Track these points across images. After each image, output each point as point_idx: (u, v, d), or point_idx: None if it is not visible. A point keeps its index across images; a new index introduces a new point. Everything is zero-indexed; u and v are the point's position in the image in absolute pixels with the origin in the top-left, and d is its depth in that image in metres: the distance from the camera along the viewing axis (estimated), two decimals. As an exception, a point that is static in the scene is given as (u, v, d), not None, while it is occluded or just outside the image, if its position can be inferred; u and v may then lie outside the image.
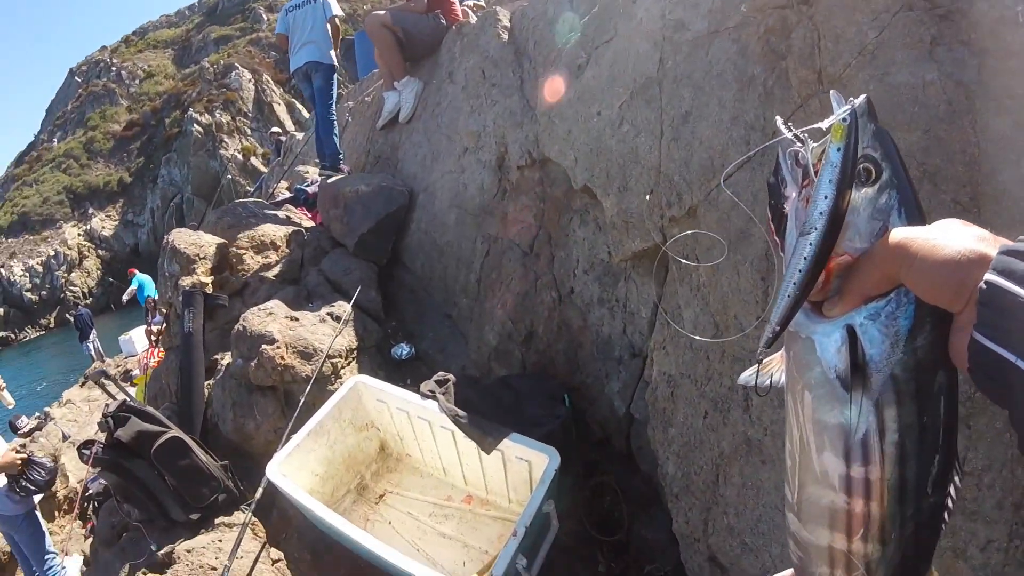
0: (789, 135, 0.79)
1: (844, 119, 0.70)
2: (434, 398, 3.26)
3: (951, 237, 0.63)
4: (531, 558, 2.64)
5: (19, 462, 4.79)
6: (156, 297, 14.11)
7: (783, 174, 0.80)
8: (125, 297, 16.48)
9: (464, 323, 4.56)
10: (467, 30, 5.11)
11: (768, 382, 0.94)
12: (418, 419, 3.41)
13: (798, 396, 0.82)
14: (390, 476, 3.84)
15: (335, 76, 6.24)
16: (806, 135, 0.79)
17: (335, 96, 6.28)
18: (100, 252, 35.94)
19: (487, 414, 3.15)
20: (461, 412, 3.13)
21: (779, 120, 0.81)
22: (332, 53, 6.15)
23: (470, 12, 5.64)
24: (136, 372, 9.83)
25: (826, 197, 0.70)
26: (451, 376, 3.43)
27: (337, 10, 6.15)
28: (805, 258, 0.71)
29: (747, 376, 0.97)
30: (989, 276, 0.57)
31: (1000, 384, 0.57)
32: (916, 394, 0.71)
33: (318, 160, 6.77)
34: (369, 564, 3.18)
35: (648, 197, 2.80)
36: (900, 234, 0.68)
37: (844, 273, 0.73)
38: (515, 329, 3.98)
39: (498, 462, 3.12)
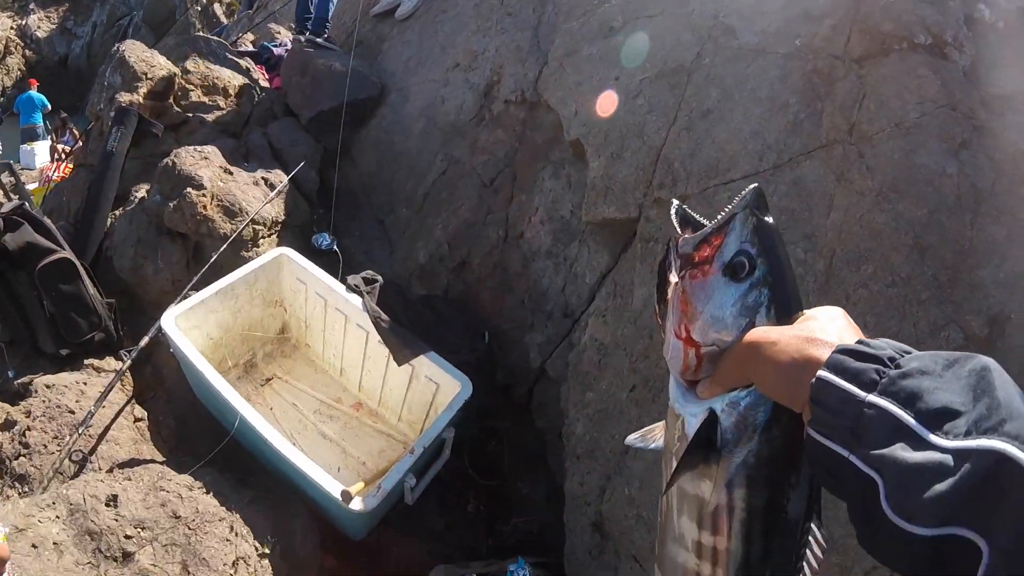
0: (675, 217, 0.82)
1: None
2: (360, 294, 3.17)
3: (790, 341, 0.65)
4: (417, 481, 2.63)
5: None
6: (64, 115, 13.08)
7: (670, 258, 0.82)
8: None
9: (396, 233, 4.46)
10: (499, -51, 4.94)
11: (652, 446, 0.98)
12: (334, 310, 3.31)
13: (669, 465, 0.86)
14: (283, 361, 3.72)
15: None
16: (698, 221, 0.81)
17: None
18: (27, 52, 32.40)
19: (406, 327, 3.09)
20: (384, 316, 3.06)
21: (674, 202, 0.83)
22: None
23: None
24: (32, 186, 9.02)
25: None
26: (379, 278, 3.35)
27: None
28: None
29: (633, 439, 1.03)
30: (821, 372, 0.59)
31: (836, 478, 0.59)
32: (767, 481, 0.75)
33: (293, 24, 6.42)
34: (235, 444, 3.07)
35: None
36: (753, 335, 0.70)
37: (712, 360, 0.76)
38: (449, 254, 3.93)
39: (404, 377, 3.08)
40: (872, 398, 0.55)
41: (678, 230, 0.80)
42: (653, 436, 0.99)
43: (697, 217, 0.80)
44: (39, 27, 33.40)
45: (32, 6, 33.79)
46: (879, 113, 2.29)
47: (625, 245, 2.98)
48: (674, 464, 0.82)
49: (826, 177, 2.32)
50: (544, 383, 3.26)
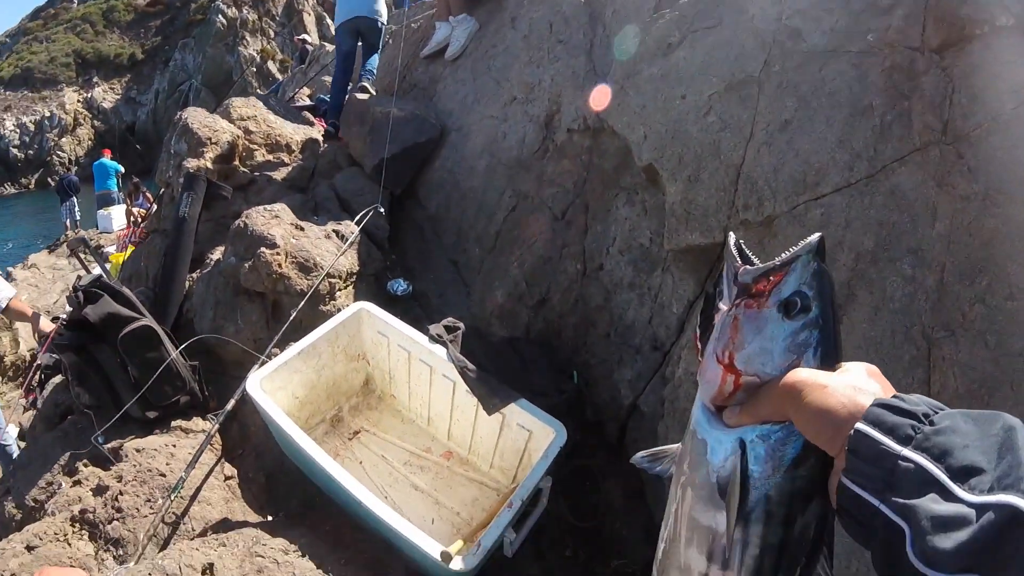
0: (734, 249, 0.84)
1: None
2: (443, 344, 3.11)
3: (838, 387, 0.67)
4: (516, 533, 2.54)
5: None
6: (136, 180, 13.66)
7: (722, 286, 0.84)
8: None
9: (471, 273, 4.43)
10: (543, -21, 4.90)
11: (657, 469, 1.00)
12: (419, 361, 3.26)
13: (680, 489, 0.88)
14: (369, 414, 3.68)
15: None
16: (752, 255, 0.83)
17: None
18: (96, 123, 34.32)
19: (491, 373, 3.02)
20: (471, 365, 2.99)
21: (731, 236, 0.86)
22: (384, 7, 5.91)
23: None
24: (110, 250, 9.42)
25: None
26: (461, 324, 3.28)
27: None
28: None
29: (640, 458, 1.03)
30: (859, 425, 0.62)
31: (864, 527, 0.62)
32: (785, 518, 0.76)
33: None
34: (326, 499, 3.05)
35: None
36: (797, 375, 0.71)
37: (749, 391, 0.77)
38: (528, 291, 3.86)
39: (495, 425, 3.00)
40: (907, 452, 0.59)
41: (737, 260, 0.82)
42: (661, 458, 1.01)
43: (750, 254, 0.82)
44: (104, 98, 35.25)
45: (96, 79, 35.62)
46: (972, 108, 2.08)
47: (711, 270, 2.85)
48: (688, 491, 0.85)
49: (925, 184, 2.13)
50: (637, 419, 3.13)
